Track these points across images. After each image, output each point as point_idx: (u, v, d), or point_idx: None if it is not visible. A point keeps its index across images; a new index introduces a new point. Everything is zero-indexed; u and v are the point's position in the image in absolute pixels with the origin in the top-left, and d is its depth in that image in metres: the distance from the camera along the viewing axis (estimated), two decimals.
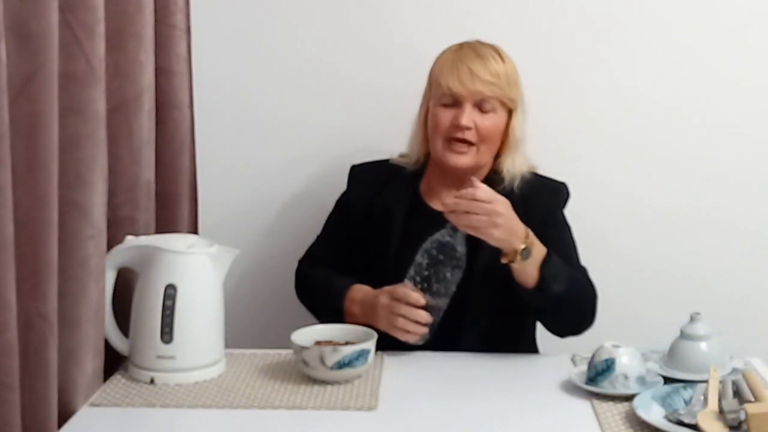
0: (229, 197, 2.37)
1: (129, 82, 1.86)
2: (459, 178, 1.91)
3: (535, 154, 2.33)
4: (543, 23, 2.30)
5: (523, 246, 1.76)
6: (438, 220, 1.82)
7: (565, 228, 2.00)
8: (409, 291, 1.79)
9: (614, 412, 1.58)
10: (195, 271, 1.76)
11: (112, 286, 1.78)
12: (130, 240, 1.79)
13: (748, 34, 2.29)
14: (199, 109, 2.21)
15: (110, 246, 1.76)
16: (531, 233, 1.79)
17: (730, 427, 1.45)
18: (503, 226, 1.75)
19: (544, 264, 1.79)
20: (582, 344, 1.85)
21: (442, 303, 1.81)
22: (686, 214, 2.36)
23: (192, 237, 1.90)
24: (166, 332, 1.72)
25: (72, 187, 1.60)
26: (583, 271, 1.93)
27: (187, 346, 1.74)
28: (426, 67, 2.01)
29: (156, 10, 1.99)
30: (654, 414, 1.52)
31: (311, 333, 1.79)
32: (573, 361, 1.84)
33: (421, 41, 2.18)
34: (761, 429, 1.39)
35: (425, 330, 1.80)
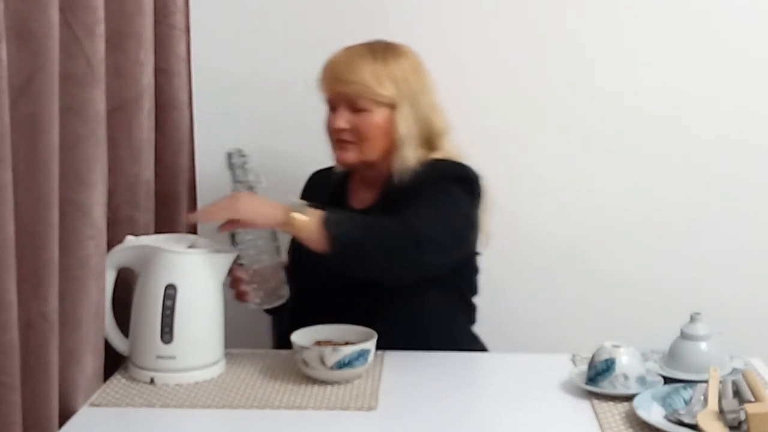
0: None
1: (129, 82, 1.86)
2: (373, 178, 1.98)
3: (535, 155, 2.35)
4: (528, 26, 2.31)
5: (288, 211, 1.76)
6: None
7: (435, 189, 1.89)
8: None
9: (614, 412, 1.58)
10: (195, 271, 1.76)
11: (112, 286, 1.78)
12: (129, 240, 1.79)
13: (736, 37, 2.30)
14: (198, 109, 2.21)
15: (110, 246, 1.76)
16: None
17: (730, 427, 1.45)
18: (245, 204, 1.76)
19: (325, 221, 1.75)
20: (582, 344, 1.85)
21: (261, 267, 1.84)
22: (686, 214, 2.36)
23: (191, 237, 1.90)
24: (166, 332, 1.72)
25: (72, 187, 1.60)
26: (411, 215, 1.81)
27: (187, 346, 1.74)
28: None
29: (156, 11, 1.99)
30: (654, 414, 1.52)
31: (311, 333, 1.79)
32: (573, 361, 1.84)
33: (425, 44, 2.19)
34: (761, 429, 1.39)
35: (248, 289, 1.84)
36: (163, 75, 2.05)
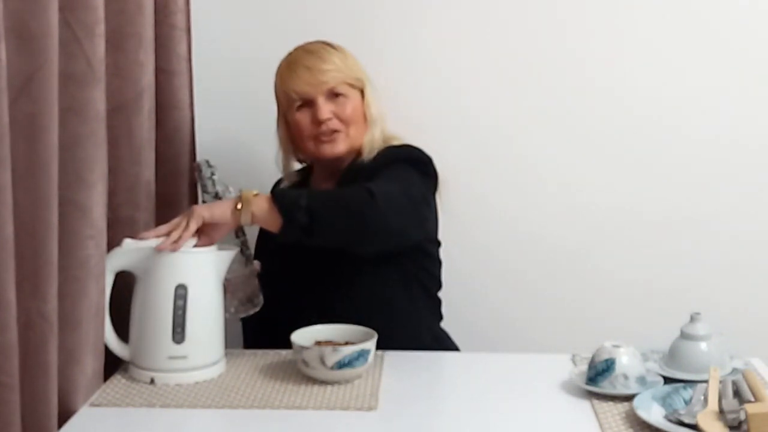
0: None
1: (129, 82, 1.86)
2: (333, 170, 2.01)
3: (535, 156, 2.35)
4: (523, 25, 2.32)
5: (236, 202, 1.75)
6: None
7: (390, 168, 1.91)
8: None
9: (614, 412, 1.58)
10: (203, 270, 1.77)
11: (110, 290, 1.76)
12: (129, 243, 1.78)
13: (735, 38, 2.30)
14: (199, 109, 2.21)
15: (110, 246, 1.76)
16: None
17: (730, 427, 1.44)
18: (198, 209, 1.76)
19: (274, 197, 1.76)
20: (582, 344, 1.85)
21: (232, 277, 1.85)
22: (686, 214, 2.36)
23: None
24: (178, 332, 1.73)
25: (72, 187, 1.60)
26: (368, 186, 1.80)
27: (198, 345, 1.75)
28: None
29: (156, 10, 1.99)
30: (654, 414, 1.52)
31: (311, 333, 1.79)
32: (573, 361, 1.84)
33: (423, 44, 2.19)
34: (761, 429, 1.39)
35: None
36: (164, 75, 2.05)
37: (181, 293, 1.73)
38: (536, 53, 2.32)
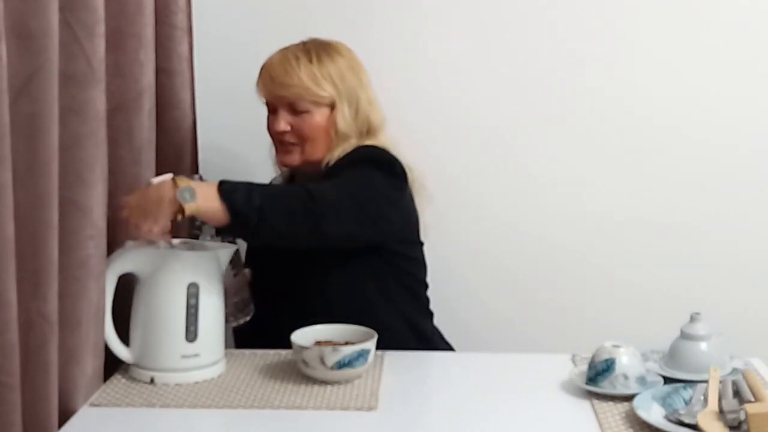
0: None
1: (129, 82, 1.86)
2: (312, 174, 1.97)
3: (535, 157, 2.35)
4: (522, 26, 2.32)
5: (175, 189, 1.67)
6: None
7: (347, 169, 1.90)
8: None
9: (614, 412, 1.58)
10: (210, 268, 1.77)
11: (112, 293, 1.75)
12: (131, 245, 1.78)
13: (735, 38, 2.30)
14: (200, 109, 2.21)
15: (110, 246, 1.76)
16: (181, 180, 1.70)
17: (730, 427, 1.44)
18: (137, 203, 1.69)
19: (221, 190, 1.70)
20: (582, 344, 1.85)
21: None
22: (686, 214, 2.36)
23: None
24: (191, 331, 1.73)
25: (72, 187, 1.59)
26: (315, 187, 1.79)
27: (209, 343, 1.76)
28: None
29: (157, 10, 1.99)
30: (654, 414, 1.52)
31: (311, 333, 1.79)
32: (573, 361, 1.84)
33: (422, 44, 2.19)
34: (761, 429, 1.39)
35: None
36: (165, 75, 2.05)
37: (193, 292, 1.74)
38: (536, 54, 2.32)
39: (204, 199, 1.68)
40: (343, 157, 1.95)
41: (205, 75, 2.26)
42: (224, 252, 1.81)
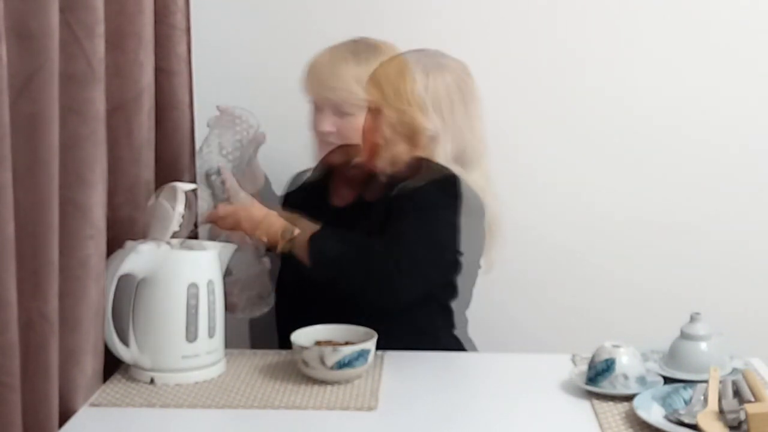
0: None
1: (129, 82, 1.86)
2: (355, 176, 1.97)
3: (535, 157, 2.35)
4: (524, 28, 2.32)
5: (281, 230, 1.82)
6: (336, 215, 1.92)
7: (422, 208, 1.85)
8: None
9: (614, 412, 1.58)
10: (211, 268, 1.78)
11: (113, 293, 1.74)
12: (131, 245, 1.78)
13: (736, 39, 2.31)
14: (199, 109, 2.21)
15: (110, 246, 1.76)
16: (294, 220, 1.82)
17: (730, 427, 1.45)
18: (245, 220, 1.85)
19: (312, 238, 1.78)
20: (582, 344, 1.85)
21: (240, 276, 1.91)
22: (686, 215, 2.36)
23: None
24: (191, 331, 1.73)
25: (72, 187, 1.59)
26: (394, 243, 1.80)
27: (209, 343, 1.76)
28: None
29: (156, 10, 1.99)
30: (654, 414, 1.52)
31: (311, 333, 1.79)
32: (573, 361, 1.84)
33: (422, 45, 2.18)
34: (761, 429, 1.39)
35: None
36: (164, 75, 2.05)
37: (193, 292, 1.74)
38: (536, 54, 2.32)
39: (299, 239, 1.79)
40: (409, 173, 1.88)
41: (204, 75, 2.26)
42: (224, 252, 1.81)
